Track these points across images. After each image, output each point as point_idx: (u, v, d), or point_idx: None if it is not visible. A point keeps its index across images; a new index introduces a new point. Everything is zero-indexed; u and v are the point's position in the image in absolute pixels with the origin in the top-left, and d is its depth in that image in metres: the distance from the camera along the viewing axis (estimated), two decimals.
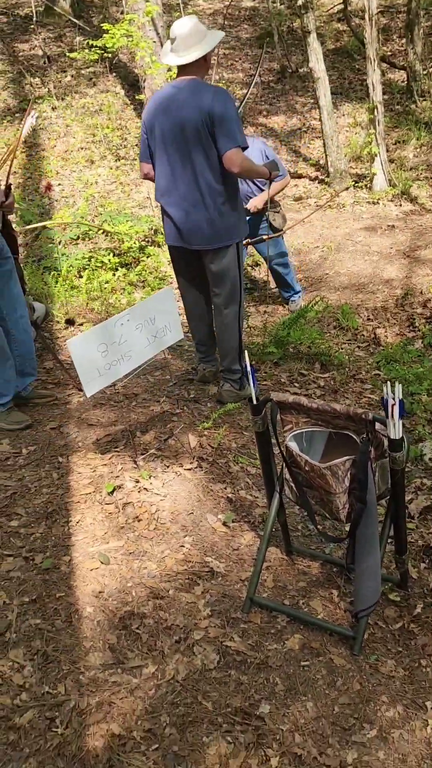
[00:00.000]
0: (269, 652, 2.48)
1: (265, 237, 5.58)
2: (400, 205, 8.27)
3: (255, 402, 2.50)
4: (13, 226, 3.95)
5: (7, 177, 4.05)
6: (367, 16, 8.27)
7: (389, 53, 11.82)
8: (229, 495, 3.32)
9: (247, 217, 4.82)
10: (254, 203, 5.48)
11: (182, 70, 3.72)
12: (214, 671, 2.39)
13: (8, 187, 3.75)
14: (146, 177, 4.04)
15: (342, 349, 5.32)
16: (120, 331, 3.27)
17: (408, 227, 7.57)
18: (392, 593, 2.76)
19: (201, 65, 3.71)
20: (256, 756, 2.11)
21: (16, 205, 4.31)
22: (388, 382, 2.27)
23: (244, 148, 3.68)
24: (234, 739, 2.16)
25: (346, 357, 5.11)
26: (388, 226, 7.64)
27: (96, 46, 8.59)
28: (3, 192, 3.68)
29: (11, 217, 3.95)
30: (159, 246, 7.17)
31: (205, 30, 3.71)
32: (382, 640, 2.57)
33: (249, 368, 2.50)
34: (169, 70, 7.69)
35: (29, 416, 3.91)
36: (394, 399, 2.22)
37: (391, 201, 8.37)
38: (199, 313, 4.28)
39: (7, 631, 2.50)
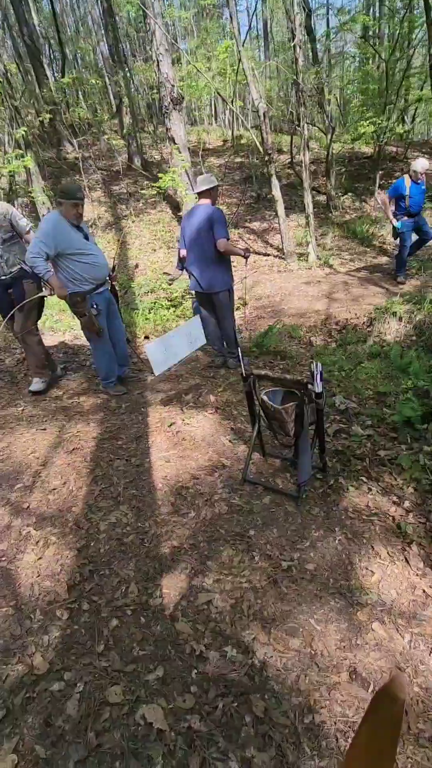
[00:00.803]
0: (254, 505, 2.58)
1: None
2: (324, 270, 8.21)
3: (244, 375, 2.59)
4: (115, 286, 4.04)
5: (113, 261, 4.16)
6: (304, 165, 8.16)
7: (317, 185, 11.64)
8: (232, 426, 3.38)
9: None
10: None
11: (199, 197, 3.81)
12: (225, 515, 2.49)
13: (113, 267, 3.86)
14: (182, 258, 4.10)
15: (292, 348, 5.35)
16: (172, 340, 3.36)
17: (327, 281, 7.51)
18: (318, 474, 2.84)
19: (209, 195, 3.78)
20: (247, 556, 2.23)
21: (117, 276, 4.39)
22: (313, 361, 2.35)
23: (228, 239, 3.73)
24: (235, 548, 2.27)
25: (294, 353, 5.14)
26: (317, 281, 7.58)
27: (155, 186, 8.57)
28: (111, 269, 3.80)
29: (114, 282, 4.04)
30: (192, 296, 7.19)
31: (213, 178, 3.79)
32: (313, 498, 2.63)
33: (240, 355, 2.58)
34: (196, 198, 7.67)
35: (125, 387, 4.02)
36: (316, 370, 2.30)
37: (319, 267, 8.28)
38: (212, 329, 4.30)
39: (119, 496, 2.63)
